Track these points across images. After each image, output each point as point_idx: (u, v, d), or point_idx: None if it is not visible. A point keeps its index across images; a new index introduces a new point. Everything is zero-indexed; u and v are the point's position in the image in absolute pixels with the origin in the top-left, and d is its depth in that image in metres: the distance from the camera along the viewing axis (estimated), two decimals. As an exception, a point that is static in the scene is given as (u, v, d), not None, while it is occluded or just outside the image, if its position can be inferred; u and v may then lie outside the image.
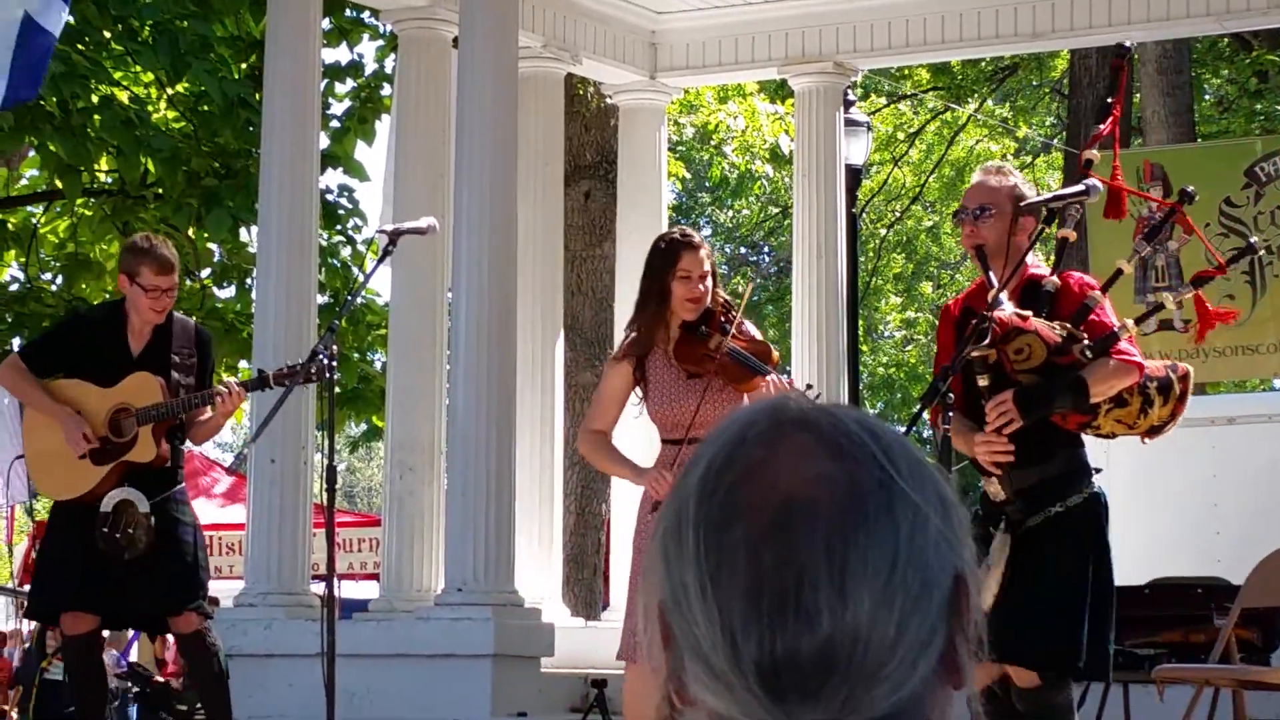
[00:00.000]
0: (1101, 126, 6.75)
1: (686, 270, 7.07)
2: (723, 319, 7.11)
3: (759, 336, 7.28)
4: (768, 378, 6.94)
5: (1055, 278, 6.50)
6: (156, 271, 7.90)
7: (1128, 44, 7.11)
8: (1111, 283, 6.78)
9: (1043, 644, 6.23)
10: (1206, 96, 26.99)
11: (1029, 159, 30.35)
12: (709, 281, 7.11)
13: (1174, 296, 6.95)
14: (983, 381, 6.37)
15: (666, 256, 7.16)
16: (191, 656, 8.25)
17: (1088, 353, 6.33)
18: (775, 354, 7.13)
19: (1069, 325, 6.36)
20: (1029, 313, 6.36)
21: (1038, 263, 6.74)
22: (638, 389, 7.18)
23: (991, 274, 6.47)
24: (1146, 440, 6.75)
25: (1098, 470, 6.56)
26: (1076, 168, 6.81)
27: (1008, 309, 6.36)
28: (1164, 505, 13.54)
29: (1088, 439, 6.62)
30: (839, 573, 1.34)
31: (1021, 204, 6.67)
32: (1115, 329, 6.39)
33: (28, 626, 23.15)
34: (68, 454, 7.96)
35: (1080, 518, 6.42)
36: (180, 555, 7.96)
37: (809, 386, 6.92)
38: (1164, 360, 6.85)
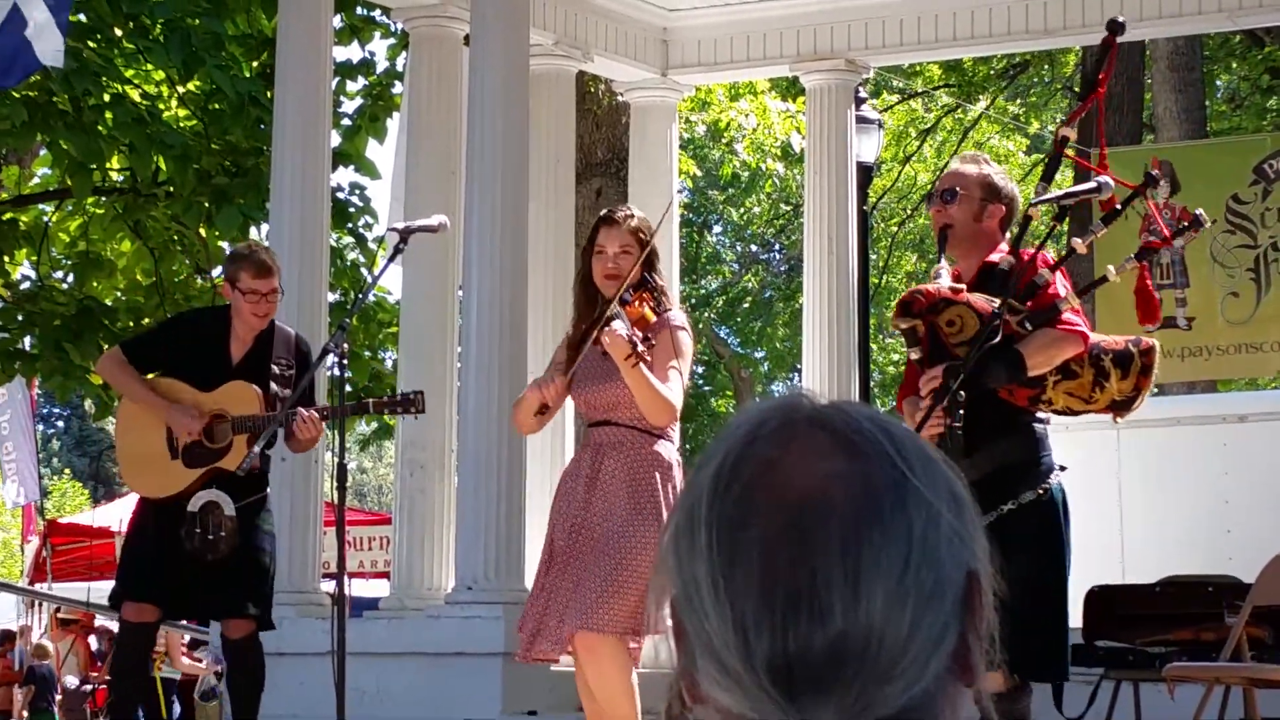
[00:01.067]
0: (1082, 103, 6.70)
1: (601, 245, 7.01)
2: (630, 293, 6.88)
3: (680, 323, 6.99)
4: (609, 326, 6.67)
5: (1010, 257, 6.48)
6: (254, 275, 7.95)
7: (1120, 19, 6.98)
8: (1064, 260, 6.75)
9: (1015, 648, 6.07)
10: (1219, 93, 26.96)
11: (1041, 156, 30.33)
12: (627, 258, 6.95)
13: (1116, 269, 6.84)
14: (914, 355, 6.39)
15: (590, 235, 7.15)
16: (234, 659, 8.25)
17: (1027, 324, 6.31)
18: (649, 318, 6.78)
19: (1011, 300, 6.34)
20: (963, 286, 6.36)
21: (1004, 250, 6.69)
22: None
23: (945, 254, 6.50)
24: (1117, 419, 6.70)
25: (1063, 468, 6.48)
26: (1054, 145, 6.73)
27: (943, 283, 6.37)
28: (1175, 503, 13.53)
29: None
30: (853, 570, 1.34)
31: (1031, 201, 6.67)
32: (1057, 301, 6.37)
33: (40, 624, 23.16)
34: (161, 455, 7.98)
35: (1034, 516, 6.26)
36: (254, 562, 7.98)
37: (646, 339, 6.70)
38: (1126, 336, 6.76)
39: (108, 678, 20.21)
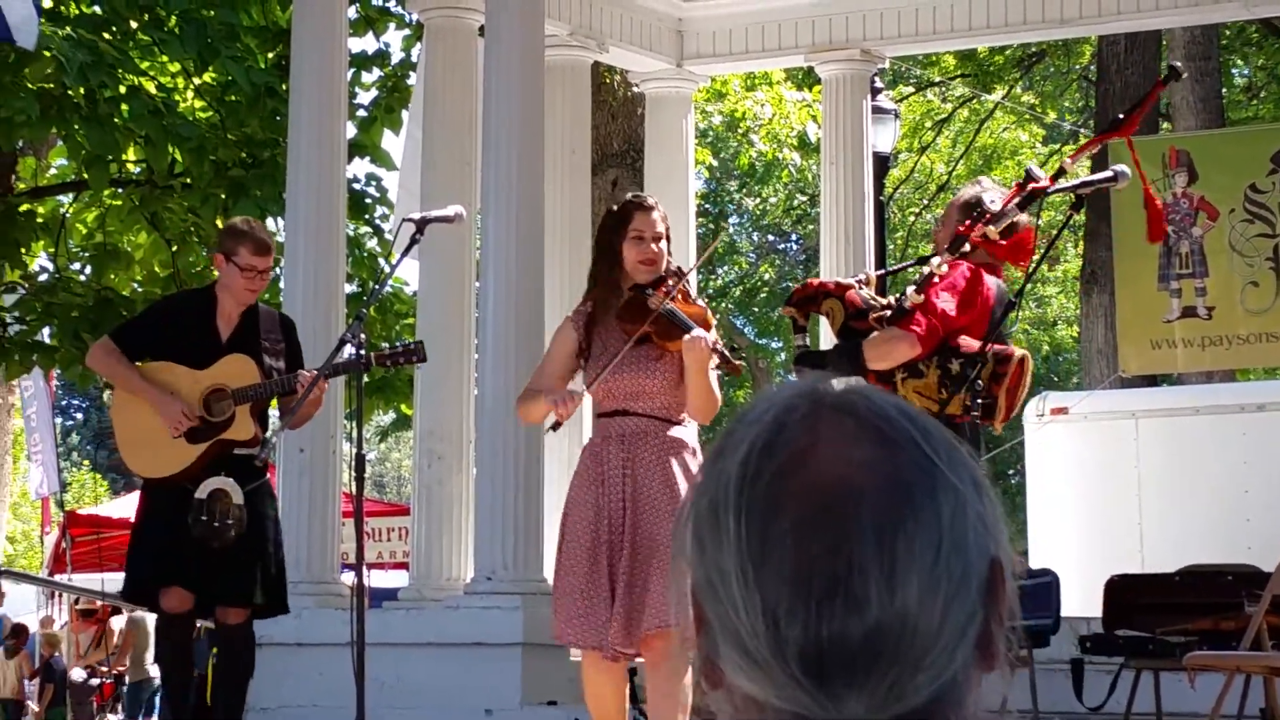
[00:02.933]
0: (1099, 135, 6.92)
1: (639, 231, 6.93)
2: (671, 283, 6.91)
3: (701, 303, 7.11)
4: (692, 332, 6.73)
5: (944, 265, 6.73)
6: (253, 251, 7.96)
7: (1178, 64, 7.27)
8: (969, 255, 6.99)
9: None
10: (1236, 82, 26.90)
11: (1057, 145, 30.26)
12: (663, 244, 6.96)
13: (941, 259, 7.05)
14: (797, 341, 6.69)
15: (619, 218, 7.04)
16: (226, 646, 8.21)
17: (885, 321, 6.57)
18: (711, 320, 6.92)
19: (869, 300, 6.64)
20: (852, 283, 6.67)
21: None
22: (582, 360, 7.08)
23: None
24: (996, 428, 6.93)
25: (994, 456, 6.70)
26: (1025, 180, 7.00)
27: (839, 279, 6.73)
28: (1195, 492, 13.52)
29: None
30: (889, 559, 1.34)
31: (1048, 190, 6.78)
32: (916, 303, 6.60)
33: (63, 618, 23.16)
34: (160, 432, 7.93)
35: None
36: (259, 549, 7.95)
37: (731, 348, 6.81)
38: (1001, 346, 6.94)
39: (117, 670, 20.26)
